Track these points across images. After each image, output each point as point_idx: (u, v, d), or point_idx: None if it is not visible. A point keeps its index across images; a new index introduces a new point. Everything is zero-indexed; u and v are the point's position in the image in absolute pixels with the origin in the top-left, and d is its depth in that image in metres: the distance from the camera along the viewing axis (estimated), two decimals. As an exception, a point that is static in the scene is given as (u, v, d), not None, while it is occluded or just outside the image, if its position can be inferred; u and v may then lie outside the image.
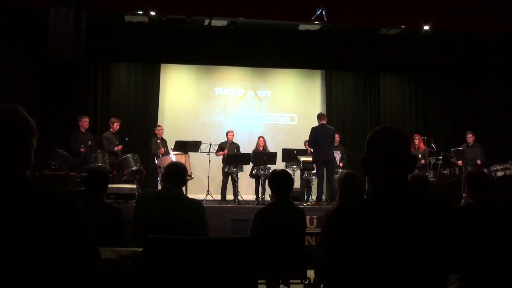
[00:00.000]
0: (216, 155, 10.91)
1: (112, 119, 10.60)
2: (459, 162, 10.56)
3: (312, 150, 10.06)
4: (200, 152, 10.68)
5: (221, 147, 10.92)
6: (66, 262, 1.70)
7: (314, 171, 10.06)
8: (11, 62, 9.42)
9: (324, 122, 9.65)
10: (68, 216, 1.72)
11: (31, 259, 1.63)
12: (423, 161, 10.67)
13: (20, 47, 9.77)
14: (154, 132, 11.06)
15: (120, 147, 10.25)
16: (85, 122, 10.06)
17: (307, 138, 10.25)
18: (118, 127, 10.42)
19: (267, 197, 9.69)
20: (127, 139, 10.52)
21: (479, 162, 10.27)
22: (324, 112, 11.53)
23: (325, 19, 9.22)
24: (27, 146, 1.77)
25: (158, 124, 12.06)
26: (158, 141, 10.77)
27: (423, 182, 4.34)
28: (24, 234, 1.63)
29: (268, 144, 11.36)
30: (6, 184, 1.69)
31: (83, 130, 10.01)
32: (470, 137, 10.77)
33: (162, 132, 11.00)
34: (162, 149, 10.49)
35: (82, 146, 9.62)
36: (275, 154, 10.20)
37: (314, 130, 9.57)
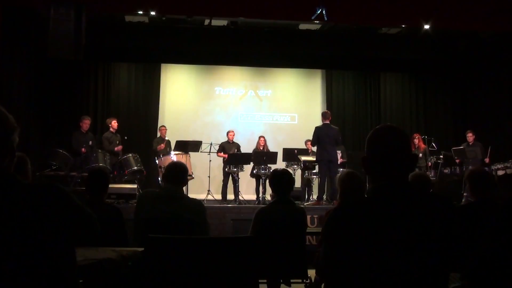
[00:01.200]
0: (217, 156, 10.91)
1: (108, 119, 10.58)
2: (457, 160, 10.60)
3: (313, 149, 10.04)
4: (201, 152, 10.68)
5: (222, 147, 10.92)
6: (63, 242, 1.73)
7: (315, 171, 10.05)
8: (12, 62, 9.42)
9: (328, 121, 9.62)
10: (54, 203, 1.74)
11: (23, 251, 1.63)
12: (420, 156, 10.66)
13: (20, 48, 9.77)
14: (157, 132, 11.08)
15: (120, 147, 10.22)
16: (85, 124, 10.02)
17: (308, 138, 10.25)
18: (117, 124, 10.38)
19: (268, 197, 9.70)
20: (126, 137, 10.48)
21: (487, 160, 10.29)
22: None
23: (325, 18, 9.22)
24: (9, 142, 1.77)
25: (159, 124, 12.10)
26: (162, 140, 10.83)
27: (424, 181, 4.34)
28: (12, 228, 1.64)
29: (268, 143, 11.35)
30: None
31: (83, 130, 9.99)
32: (470, 136, 10.78)
33: (165, 132, 11.01)
34: (162, 145, 10.51)
35: (84, 146, 9.61)
36: (275, 153, 10.19)
37: (317, 129, 9.55)
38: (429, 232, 1.78)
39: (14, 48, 9.46)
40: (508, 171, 9.59)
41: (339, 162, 10.29)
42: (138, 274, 2.87)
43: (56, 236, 1.71)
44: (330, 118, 9.77)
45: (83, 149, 9.56)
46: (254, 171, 10.40)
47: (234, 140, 11.17)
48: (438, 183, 10.54)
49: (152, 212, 3.96)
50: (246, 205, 9.43)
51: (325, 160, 9.44)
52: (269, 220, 4.27)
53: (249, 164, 10.34)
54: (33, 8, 9.47)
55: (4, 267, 1.61)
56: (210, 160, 10.74)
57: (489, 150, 10.40)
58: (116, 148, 10.10)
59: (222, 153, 10.86)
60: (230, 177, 10.64)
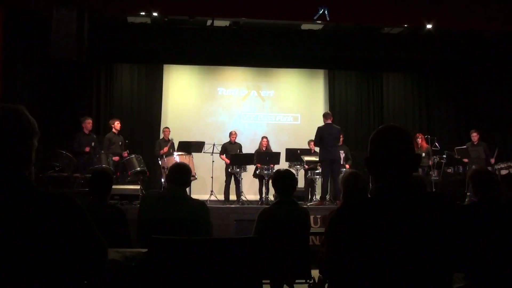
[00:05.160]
0: (220, 158, 10.89)
1: (111, 120, 10.53)
2: (464, 160, 10.54)
3: (316, 149, 10.05)
4: (204, 152, 10.68)
5: (224, 148, 10.91)
6: (70, 262, 1.70)
7: (318, 171, 10.04)
8: (15, 64, 9.44)
9: (330, 121, 9.62)
10: (68, 216, 1.72)
11: (32, 260, 1.62)
12: (423, 155, 10.64)
13: (23, 49, 9.79)
14: (161, 133, 11.09)
15: (125, 153, 10.04)
16: (88, 124, 10.02)
17: (311, 138, 10.24)
18: (119, 125, 10.37)
19: (271, 197, 9.69)
20: (127, 141, 10.43)
21: (492, 160, 10.25)
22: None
23: (328, 18, 9.22)
24: (27, 146, 1.76)
25: (161, 124, 12.12)
26: (165, 141, 10.84)
27: (418, 183, 4.33)
28: (23, 235, 1.62)
29: (271, 144, 11.33)
30: (6, 184, 1.68)
31: (86, 131, 9.98)
32: (474, 136, 10.74)
33: (169, 134, 11.02)
34: (165, 148, 10.50)
35: (87, 149, 9.58)
36: (278, 154, 10.19)
37: (320, 129, 9.55)
38: (433, 232, 1.77)
39: (17, 49, 9.49)
40: (512, 170, 9.57)
41: (342, 162, 10.29)
42: (141, 275, 2.87)
43: (60, 251, 1.68)
44: (331, 118, 9.76)
45: (87, 148, 9.55)
46: (257, 172, 10.40)
47: (236, 141, 11.17)
48: (441, 182, 10.52)
49: (155, 213, 3.96)
50: (249, 206, 9.44)
51: (327, 160, 9.43)
52: (272, 220, 4.27)
53: (253, 164, 10.34)
54: (36, 10, 9.49)
55: (6, 273, 1.60)
56: (213, 161, 10.74)
57: (496, 151, 10.38)
58: (124, 154, 9.99)
59: (224, 156, 10.84)
60: (233, 178, 10.63)
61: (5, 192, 1.67)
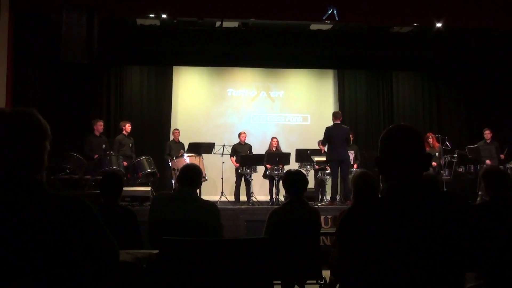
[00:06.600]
0: (230, 159, 10.91)
1: (122, 122, 10.56)
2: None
3: (325, 149, 10.03)
4: (214, 153, 10.69)
5: (234, 149, 10.92)
6: (81, 263, 1.72)
7: (328, 171, 10.03)
8: (25, 67, 9.50)
9: (338, 121, 9.59)
10: (79, 218, 1.73)
11: (44, 262, 1.63)
12: (436, 155, 10.58)
13: (34, 53, 9.85)
14: (170, 135, 11.09)
15: (125, 163, 9.81)
16: (99, 126, 10.07)
17: (321, 138, 10.22)
18: (130, 127, 10.40)
19: (282, 198, 9.69)
20: (130, 144, 10.45)
21: (502, 156, 10.22)
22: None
23: (337, 18, 9.22)
24: (40, 149, 1.78)
25: (171, 126, 12.14)
26: (175, 143, 10.85)
27: (433, 183, 4.31)
28: (35, 237, 1.63)
29: (281, 144, 11.33)
30: (18, 187, 1.70)
31: (97, 133, 10.02)
32: (487, 134, 10.67)
33: (178, 135, 11.03)
34: (181, 151, 10.48)
35: (97, 151, 9.60)
36: (288, 154, 10.17)
37: (328, 129, 9.53)
38: (444, 232, 1.76)
39: (27, 53, 9.54)
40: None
41: (352, 163, 10.25)
42: (153, 276, 2.88)
43: (72, 252, 1.69)
44: (341, 118, 9.73)
45: (96, 156, 9.57)
46: (267, 172, 10.39)
47: (246, 141, 11.17)
48: (453, 182, 10.46)
49: (166, 214, 3.97)
50: (260, 206, 9.42)
51: (335, 160, 9.40)
52: (283, 221, 4.27)
53: (262, 165, 10.33)
54: (46, 14, 9.55)
55: (18, 275, 1.61)
56: (223, 162, 10.74)
57: (505, 151, 10.33)
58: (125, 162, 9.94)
59: (233, 159, 10.85)
60: (243, 179, 10.63)
61: (18, 194, 1.68)
